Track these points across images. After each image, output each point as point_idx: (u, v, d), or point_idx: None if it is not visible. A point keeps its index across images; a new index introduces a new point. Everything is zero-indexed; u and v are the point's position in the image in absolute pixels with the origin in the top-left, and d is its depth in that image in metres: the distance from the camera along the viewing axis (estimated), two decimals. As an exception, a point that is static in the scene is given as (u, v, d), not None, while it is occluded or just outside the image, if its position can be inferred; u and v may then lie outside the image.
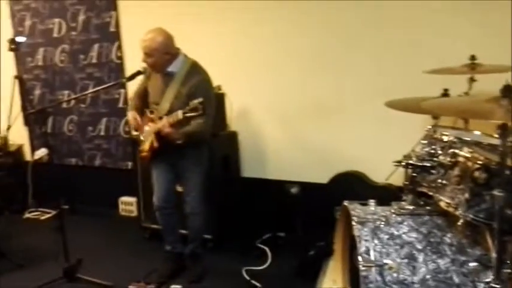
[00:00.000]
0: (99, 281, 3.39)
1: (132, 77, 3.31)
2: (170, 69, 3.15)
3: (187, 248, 3.50)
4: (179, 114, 2.92)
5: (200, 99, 2.83)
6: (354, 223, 2.19)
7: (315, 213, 3.59)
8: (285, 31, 3.78)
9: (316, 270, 3.15)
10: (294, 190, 3.84)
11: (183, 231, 3.53)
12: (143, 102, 3.38)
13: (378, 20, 3.44)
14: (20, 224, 4.80)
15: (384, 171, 2.98)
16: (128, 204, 4.82)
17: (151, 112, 3.25)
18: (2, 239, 4.30)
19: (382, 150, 3.24)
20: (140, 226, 4.23)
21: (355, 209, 2.32)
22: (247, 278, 3.34)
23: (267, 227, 3.93)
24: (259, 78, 3.95)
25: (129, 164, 4.69)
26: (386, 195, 2.74)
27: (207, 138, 3.36)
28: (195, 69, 3.17)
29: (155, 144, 3.18)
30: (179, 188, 3.51)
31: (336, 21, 3.58)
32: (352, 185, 3.55)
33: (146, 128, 3.27)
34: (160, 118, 3.11)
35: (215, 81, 3.66)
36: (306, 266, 3.30)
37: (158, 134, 3.13)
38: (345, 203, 2.42)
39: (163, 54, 3.10)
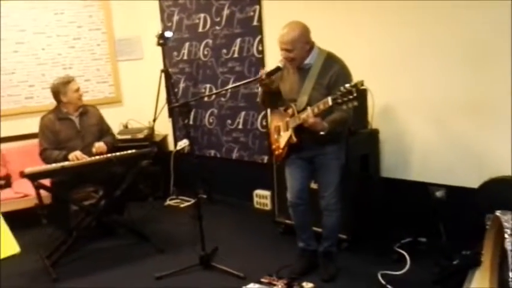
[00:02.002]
0: (232, 271, 3.60)
1: (272, 73, 3.37)
2: (306, 62, 3.24)
3: (321, 246, 3.57)
4: (329, 101, 2.93)
5: (352, 83, 2.86)
6: (506, 236, 2.11)
7: (461, 219, 3.49)
8: (432, 21, 3.67)
9: (459, 281, 3.04)
10: (439, 193, 3.75)
11: (317, 229, 3.62)
12: (276, 100, 3.49)
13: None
14: (162, 210, 5.29)
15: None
16: (262, 198, 5.05)
17: (286, 109, 3.35)
18: (146, 224, 4.79)
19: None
20: (274, 220, 4.41)
21: (509, 220, 2.22)
22: (383, 282, 3.34)
23: (407, 231, 3.88)
24: (404, 72, 3.89)
25: (265, 158, 4.90)
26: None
27: (346, 132, 3.43)
28: (332, 59, 3.23)
29: (294, 139, 3.26)
30: (313, 185, 3.62)
31: (493, 8, 3.38)
32: (507, 192, 3.35)
33: (282, 124, 3.40)
34: (299, 112, 3.19)
35: (357, 77, 3.69)
36: (448, 275, 3.20)
37: (298, 128, 3.21)
38: (497, 212, 2.33)
39: (304, 45, 3.19)
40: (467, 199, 3.49)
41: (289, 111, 3.30)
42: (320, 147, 3.31)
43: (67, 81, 4.31)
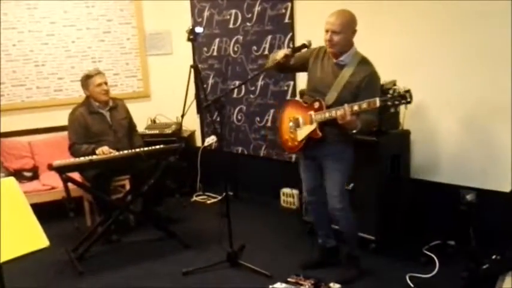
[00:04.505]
0: (259, 270, 3.68)
1: (297, 49, 3.45)
2: (342, 58, 3.31)
3: (346, 248, 3.67)
4: (376, 101, 3.00)
5: (406, 88, 2.97)
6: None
7: (492, 223, 3.53)
8: (468, 22, 3.70)
9: (489, 287, 3.10)
10: (469, 197, 3.80)
11: (335, 227, 3.73)
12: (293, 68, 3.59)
13: None
14: (188, 206, 5.40)
15: None
16: (289, 196, 5.14)
17: (311, 102, 3.38)
18: (172, 220, 4.90)
19: None
20: (300, 219, 4.51)
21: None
22: (411, 285, 3.39)
23: (436, 234, 3.92)
24: (437, 73, 3.93)
25: (293, 156, 4.96)
26: None
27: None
28: (365, 62, 3.31)
29: (319, 134, 3.31)
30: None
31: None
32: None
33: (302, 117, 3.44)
34: (328, 107, 3.26)
35: (390, 76, 3.77)
36: (478, 280, 3.24)
37: (323, 123, 3.29)
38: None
39: (351, 33, 3.26)
40: (499, 203, 3.54)
41: (316, 104, 3.33)
42: (324, 149, 3.40)
43: (90, 75, 4.41)
